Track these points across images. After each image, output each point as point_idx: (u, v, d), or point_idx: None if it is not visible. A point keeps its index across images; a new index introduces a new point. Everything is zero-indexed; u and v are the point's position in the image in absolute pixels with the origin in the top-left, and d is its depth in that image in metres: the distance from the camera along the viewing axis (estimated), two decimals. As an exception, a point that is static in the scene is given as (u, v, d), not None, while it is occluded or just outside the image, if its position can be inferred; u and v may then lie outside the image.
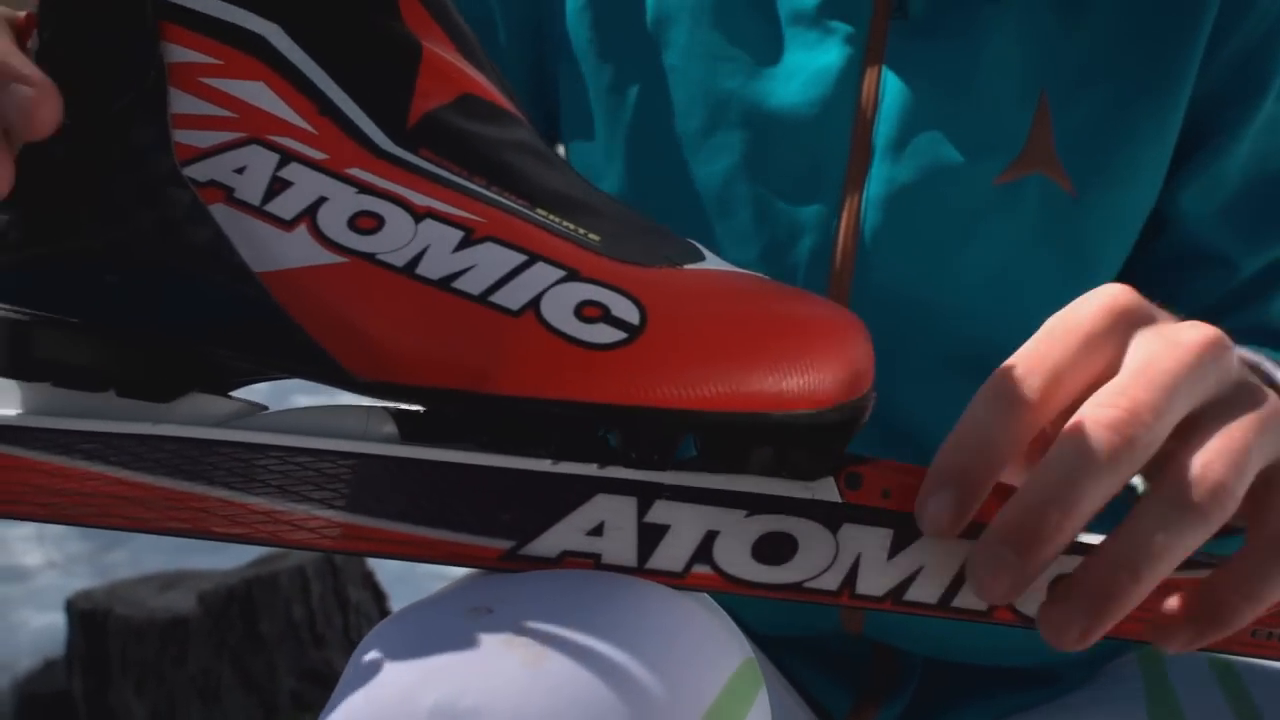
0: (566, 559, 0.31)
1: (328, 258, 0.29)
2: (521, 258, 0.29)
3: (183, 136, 0.28)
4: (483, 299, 0.29)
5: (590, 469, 0.31)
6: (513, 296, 0.29)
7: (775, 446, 0.32)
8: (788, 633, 0.53)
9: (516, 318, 0.29)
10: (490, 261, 0.29)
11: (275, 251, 0.29)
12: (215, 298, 0.29)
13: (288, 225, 0.29)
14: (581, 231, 0.31)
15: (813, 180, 0.48)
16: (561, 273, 0.29)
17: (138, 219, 0.28)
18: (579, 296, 0.29)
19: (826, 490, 0.32)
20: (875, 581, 0.32)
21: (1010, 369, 0.31)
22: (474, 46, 0.32)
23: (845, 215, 0.48)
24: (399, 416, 0.32)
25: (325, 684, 1.58)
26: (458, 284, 0.29)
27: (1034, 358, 0.31)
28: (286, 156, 0.29)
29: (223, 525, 0.30)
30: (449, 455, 0.30)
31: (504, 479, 0.30)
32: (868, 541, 0.31)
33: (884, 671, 0.53)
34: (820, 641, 0.52)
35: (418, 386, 0.29)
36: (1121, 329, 0.31)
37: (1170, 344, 0.30)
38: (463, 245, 0.29)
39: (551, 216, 0.31)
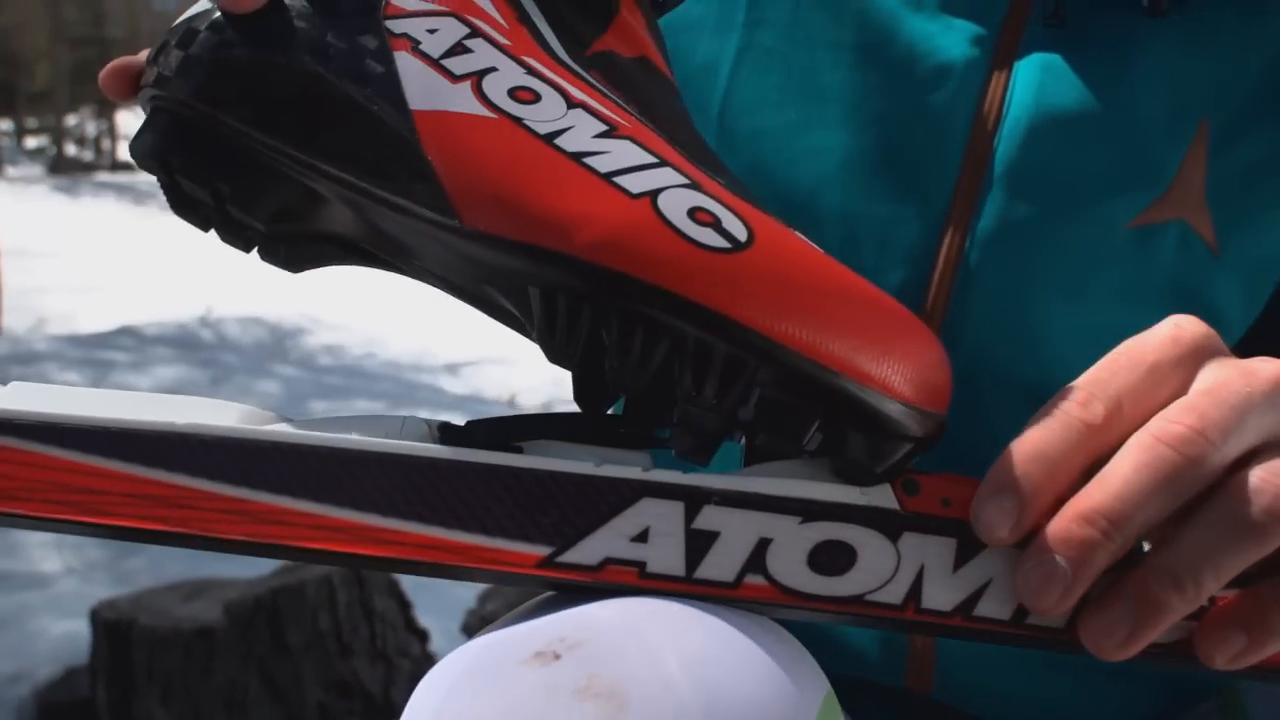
0: (609, 566, 0.30)
1: (479, 110, 0.31)
2: (653, 159, 0.31)
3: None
4: (607, 177, 0.30)
5: (634, 472, 0.30)
6: (635, 183, 0.30)
7: (835, 426, 0.31)
8: (851, 674, 0.51)
9: (632, 199, 0.30)
10: (624, 153, 0.31)
11: (435, 94, 0.31)
12: (360, 119, 0.31)
13: (455, 79, 0.32)
14: (708, 171, 0.32)
15: (913, 203, 0.43)
16: (686, 180, 0.31)
17: (333, 47, 0.32)
18: (696, 202, 0.30)
19: (883, 497, 0.31)
20: (942, 595, 0.30)
21: (1071, 392, 0.30)
22: (660, 36, 0.36)
23: (945, 248, 0.43)
24: (433, 427, 0.31)
25: (352, 695, 1.57)
26: (588, 160, 0.31)
27: (1096, 383, 0.30)
28: (475, 32, 0.33)
29: (227, 525, 0.29)
30: (486, 457, 0.30)
31: (543, 481, 0.30)
32: (931, 551, 0.30)
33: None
34: (884, 691, 0.50)
35: (518, 241, 0.30)
36: (1190, 359, 0.30)
37: (1244, 372, 0.29)
38: (604, 135, 0.31)
39: (685, 152, 0.33)
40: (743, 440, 0.34)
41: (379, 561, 0.30)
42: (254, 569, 1.81)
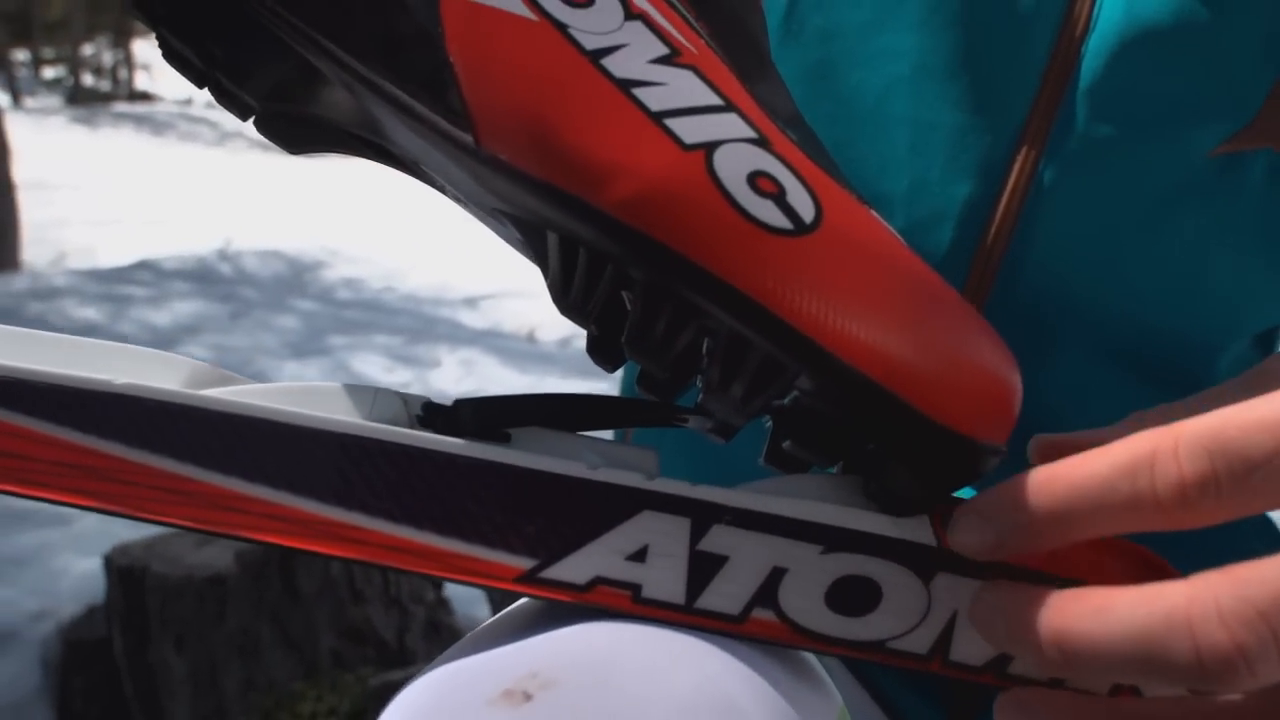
0: (599, 587, 0.26)
1: (518, 9, 0.26)
2: (718, 100, 0.26)
3: None
4: (657, 119, 0.25)
5: (636, 479, 0.26)
6: (690, 130, 0.25)
7: (876, 448, 0.27)
8: None
9: (683, 151, 0.25)
10: (684, 88, 0.26)
11: None
12: (378, 3, 0.26)
13: None
14: (780, 123, 0.27)
15: (989, 113, 0.40)
16: (753, 134, 0.26)
17: None
18: (759, 164, 0.25)
19: (919, 530, 0.27)
20: (974, 648, 0.27)
21: (1168, 446, 0.22)
22: None
23: (1019, 163, 0.40)
24: (410, 404, 0.27)
25: (365, 641, 1.57)
26: (638, 92, 0.26)
27: (1213, 452, 0.22)
28: None
29: (169, 506, 0.25)
30: (466, 449, 0.26)
31: (530, 482, 0.26)
32: (967, 596, 0.27)
33: (974, 687, 0.48)
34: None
35: (538, 179, 0.25)
36: None
37: None
38: (662, 61, 0.26)
39: (758, 93, 0.27)
40: (769, 421, 0.29)
41: (337, 557, 0.26)
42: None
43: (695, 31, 0.28)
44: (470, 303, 4.58)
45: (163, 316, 4.04)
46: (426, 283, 4.90)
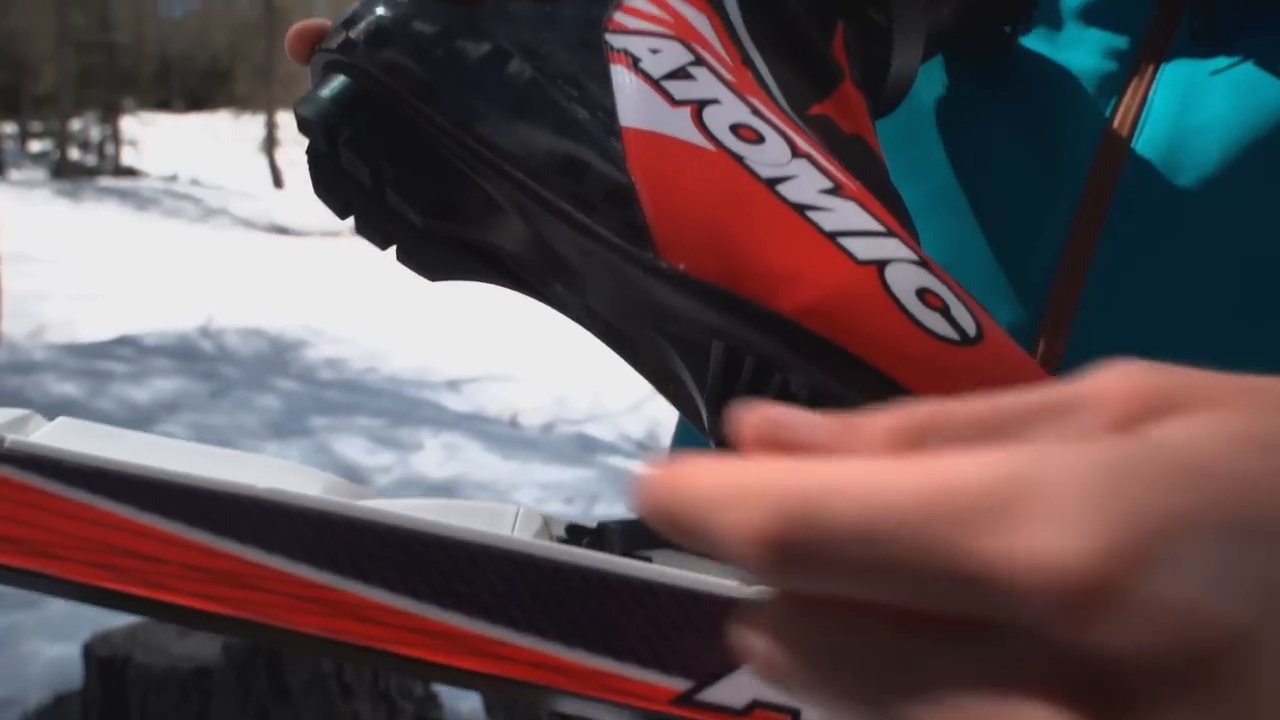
0: (757, 711, 0.26)
1: (698, 140, 0.29)
2: (880, 227, 0.28)
3: (621, 17, 0.31)
4: (831, 237, 0.27)
5: None
6: (861, 249, 0.27)
7: None
8: None
9: (858, 265, 0.27)
10: (851, 214, 0.28)
11: (650, 114, 0.29)
12: (562, 126, 0.29)
13: (675, 103, 0.29)
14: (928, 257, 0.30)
15: (1023, 230, 0.38)
16: (915, 257, 0.28)
17: (546, 47, 0.30)
18: (925, 282, 0.27)
19: None
20: None
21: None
22: (874, 124, 0.34)
23: (1062, 286, 0.37)
24: (549, 523, 0.28)
25: (352, 738, 1.53)
26: (811, 215, 0.28)
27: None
28: (700, 61, 0.30)
29: (302, 615, 0.25)
30: (617, 565, 0.25)
31: (684, 601, 0.25)
32: None
33: None
34: None
35: (718, 288, 0.27)
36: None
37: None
38: (829, 192, 0.29)
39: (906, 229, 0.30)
40: None
41: (482, 679, 0.25)
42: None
43: (850, 174, 0.30)
44: (453, 385, 4.56)
45: (142, 393, 4.00)
46: (409, 364, 4.89)
